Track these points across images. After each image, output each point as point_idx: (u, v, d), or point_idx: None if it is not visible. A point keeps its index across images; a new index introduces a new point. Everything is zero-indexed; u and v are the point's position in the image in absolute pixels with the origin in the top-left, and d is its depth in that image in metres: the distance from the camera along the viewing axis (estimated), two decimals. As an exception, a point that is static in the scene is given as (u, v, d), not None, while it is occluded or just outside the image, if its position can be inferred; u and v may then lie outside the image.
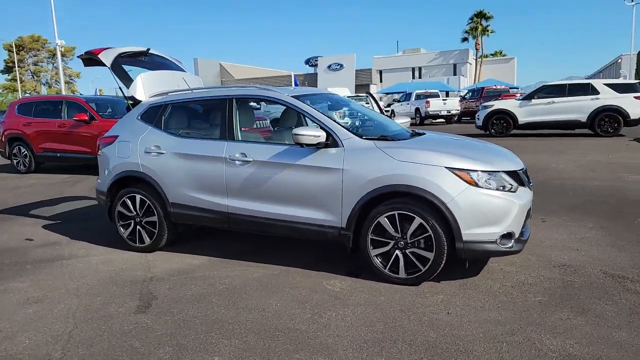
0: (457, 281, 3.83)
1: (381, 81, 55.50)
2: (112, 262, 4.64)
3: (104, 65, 5.21)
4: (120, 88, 5.26)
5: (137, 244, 4.90)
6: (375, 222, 3.80)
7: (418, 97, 26.91)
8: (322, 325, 3.18)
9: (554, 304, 3.37)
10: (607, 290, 3.57)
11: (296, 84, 26.98)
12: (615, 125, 14.45)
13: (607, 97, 14.42)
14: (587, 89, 14.74)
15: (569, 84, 15.31)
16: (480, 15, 50.97)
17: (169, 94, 5.03)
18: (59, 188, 9.06)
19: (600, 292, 3.55)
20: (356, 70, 51.91)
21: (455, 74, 51.96)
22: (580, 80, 16.54)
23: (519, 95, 21.17)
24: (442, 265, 3.68)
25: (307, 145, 3.94)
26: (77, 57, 5.44)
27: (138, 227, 4.87)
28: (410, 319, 3.22)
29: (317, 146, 3.96)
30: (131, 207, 4.88)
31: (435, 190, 3.59)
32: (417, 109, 26.00)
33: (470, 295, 3.57)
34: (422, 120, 25.72)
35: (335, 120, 4.14)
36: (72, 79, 65.69)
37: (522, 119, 15.44)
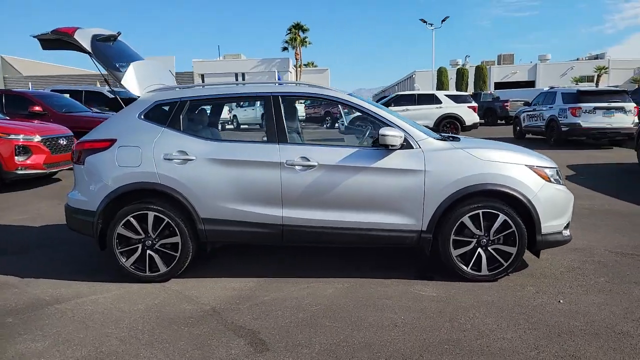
0: (524, 272, 4.08)
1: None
2: (129, 299, 3.67)
3: (76, 48, 4.10)
4: (105, 79, 4.20)
5: (148, 274, 3.97)
6: (459, 222, 3.82)
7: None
8: (480, 332, 3.08)
9: (619, 282, 3.86)
10: (636, 265, 4.22)
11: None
12: (455, 130, 16.84)
13: (448, 106, 16.74)
14: (432, 99, 16.87)
15: (418, 94, 17.33)
16: (298, 27, 53.74)
17: (177, 89, 4.22)
18: None
19: (635, 268, 4.18)
20: (176, 73, 49.76)
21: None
22: (426, 91, 18.79)
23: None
24: (521, 259, 3.89)
25: (392, 146, 3.76)
26: (34, 36, 4.14)
27: (149, 252, 3.95)
28: (541, 312, 3.33)
29: (393, 148, 3.81)
30: (138, 228, 3.93)
31: (522, 187, 3.78)
32: (263, 115, 26.14)
33: (552, 284, 3.85)
34: (268, 125, 25.99)
35: (406, 122, 4.03)
36: None
37: (381, 124, 16.82)
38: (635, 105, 13.37)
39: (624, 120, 13.23)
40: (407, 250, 4.56)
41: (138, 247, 3.96)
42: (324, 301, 3.58)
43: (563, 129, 13.65)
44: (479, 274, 3.88)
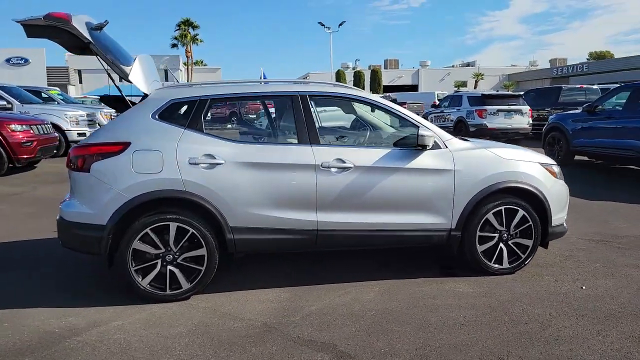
0: (531, 264, 4.34)
1: (81, 82, 50.19)
2: (161, 323, 3.26)
3: (69, 37, 3.53)
4: (109, 75, 3.66)
5: (168, 292, 3.56)
6: (484, 219, 3.98)
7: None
8: (540, 323, 3.22)
9: (613, 266, 4.29)
10: (617, 251, 4.73)
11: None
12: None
13: (363, 107, 17.26)
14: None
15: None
16: (188, 23, 51.83)
17: (193, 86, 3.83)
18: None
19: (615, 252, 4.69)
20: (48, 68, 45.13)
21: (167, 79, 51.29)
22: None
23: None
24: (535, 251, 4.16)
25: (426, 146, 3.80)
26: (18, 21, 3.45)
27: (170, 267, 3.54)
28: (575, 299, 3.59)
29: (427, 148, 3.85)
30: (158, 242, 3.51)
31: (538, 184, 4.05)
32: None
33: (562, 272, 4.17)
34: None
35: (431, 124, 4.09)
36: None
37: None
38: (529, 107, 15.01)
39: (521, 121, 14.77)
40: (416, 248, 4.63)
41: (157, 262, 3.53)
42: (374, 306, 3.50)
43: (471, 129, 14.84)
44: (501, 267, 4.08)
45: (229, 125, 4.08)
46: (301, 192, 3.68)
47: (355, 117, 4.90)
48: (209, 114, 3.81)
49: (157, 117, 3.62)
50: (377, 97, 4.09)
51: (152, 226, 3.48)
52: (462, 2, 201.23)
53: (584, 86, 16.97)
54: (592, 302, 3.55)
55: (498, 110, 14.63)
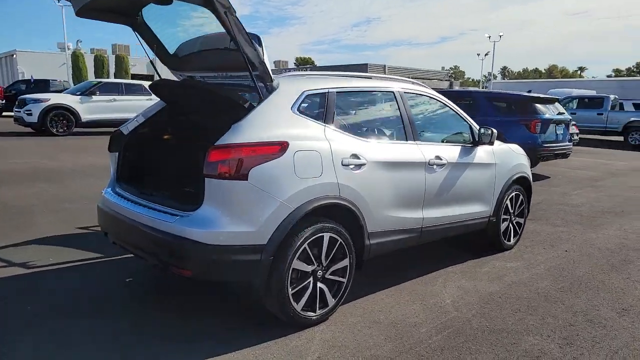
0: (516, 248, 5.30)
1: None
2: (352, 350, 2.85)
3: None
4: (245, 54, 2.79)
5: (317, 312, 3.07)
6: (505, 204, 4.73)
7: None
8: (594, 278, 4.13)
9: (548, 234, 5.66)
10: (531, 222, 6.16)
11: None
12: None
13: (157, 98, 15.93)
14: (141, 90, 15.66)
15: (124, 83, 15.69)
16: None
17: (312, 76, 3.29)
18: None
19: (532, 224, 6.10)
20: None
21: None
22: (134, 81, 16.91)
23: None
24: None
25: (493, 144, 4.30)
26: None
27: (319, 285, 3.07)
28: (579, 260, 4.67)
29: (492, 144, 4.38)
30: (312, 257, 3.00)
31: (529, 172, 5.04)
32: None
33: (536, 244, 5.24)
34: None
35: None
36: None
37: (85, 116, 14.47)
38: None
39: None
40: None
41: (309, 281, 3.01)
42: (486, 290, 3.81)
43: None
44: (510, 243, 4.91)
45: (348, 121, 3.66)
46: (416, 190, 3.67)
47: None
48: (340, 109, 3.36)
49: (297, 111, 3.03)
50: (450, 102, 4.30)
51: (310, 240, 2.95)
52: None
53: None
54: (592, 259, 4.67)
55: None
